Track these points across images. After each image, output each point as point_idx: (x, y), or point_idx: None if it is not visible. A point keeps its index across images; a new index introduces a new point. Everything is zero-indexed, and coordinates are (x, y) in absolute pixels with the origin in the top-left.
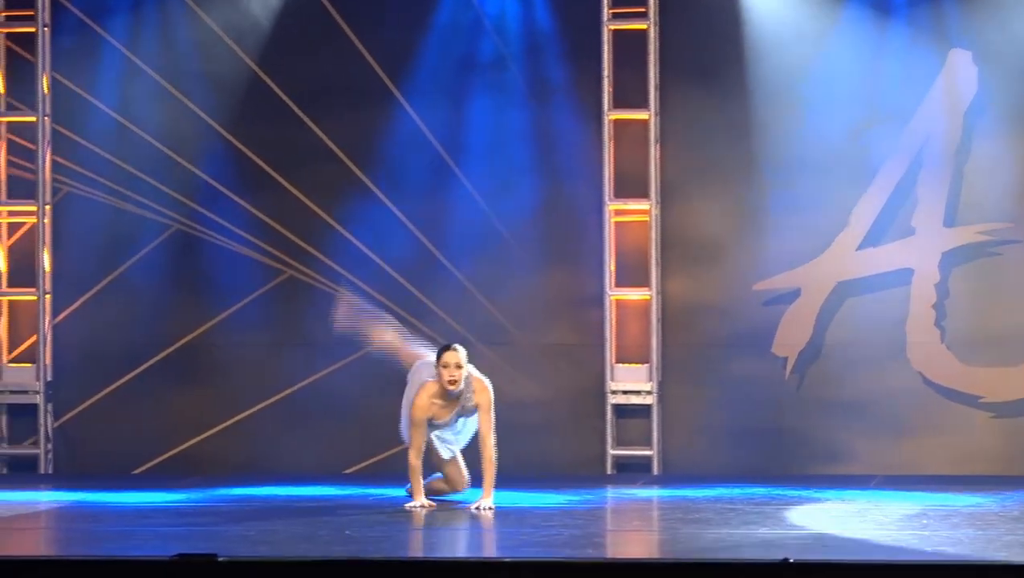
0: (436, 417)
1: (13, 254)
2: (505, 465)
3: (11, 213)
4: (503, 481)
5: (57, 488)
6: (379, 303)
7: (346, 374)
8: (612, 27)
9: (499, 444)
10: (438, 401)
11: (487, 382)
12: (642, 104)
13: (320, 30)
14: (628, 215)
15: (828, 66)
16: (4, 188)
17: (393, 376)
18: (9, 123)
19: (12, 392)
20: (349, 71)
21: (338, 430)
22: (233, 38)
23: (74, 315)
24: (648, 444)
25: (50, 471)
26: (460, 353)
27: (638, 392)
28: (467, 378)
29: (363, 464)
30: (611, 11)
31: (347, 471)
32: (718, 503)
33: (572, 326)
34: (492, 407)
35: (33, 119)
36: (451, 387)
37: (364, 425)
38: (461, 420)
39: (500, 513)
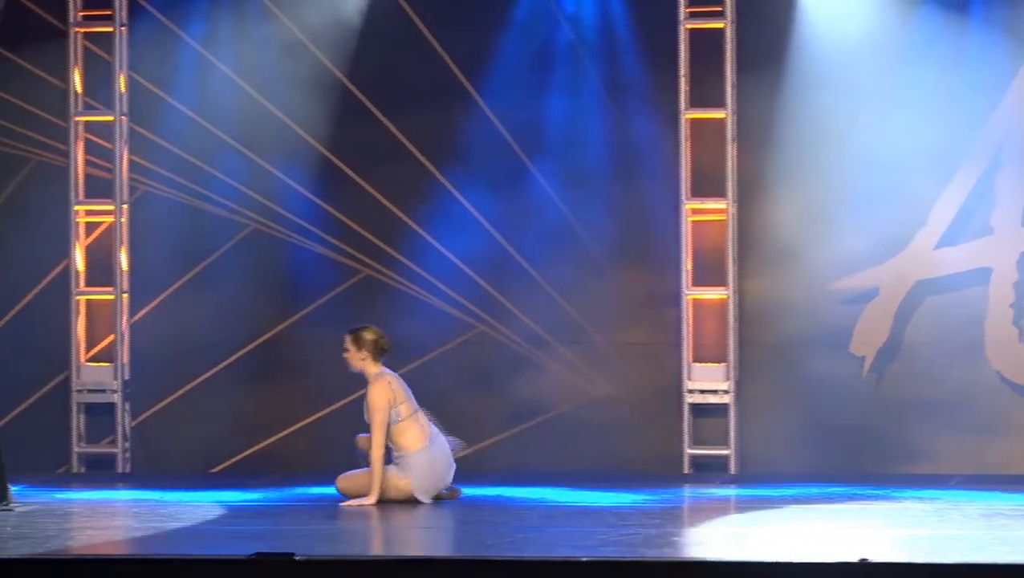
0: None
1: (91, 253)
2: (582, 464)
3: (89, 212)
4: (578, 480)
5: (134, 487)
6: (456, 302)
7: (423, 373)
8: (689, 26)
9: (576, 443)
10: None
11: (375, 383)
12: (719, 103)
13: (397, 29)
14: (705, 214)
15: (905, 64)
16: (82, 187)
17: (472, 374)
18: (87, 122)
19: (90, 391)
20: (426, 70)
21: None
22: (311, 38)
23: (151, 314)
24: (725, 443)
25: (127, 470)
26: (345, 340)
27: (715, 391)
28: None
29: None
30: (688, 10)
31: None
32: (796, 502)
33: (649, 325)
34: (369, 405)
35: (111, 118)
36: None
37: (443, 423)
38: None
39: (578, 512)
